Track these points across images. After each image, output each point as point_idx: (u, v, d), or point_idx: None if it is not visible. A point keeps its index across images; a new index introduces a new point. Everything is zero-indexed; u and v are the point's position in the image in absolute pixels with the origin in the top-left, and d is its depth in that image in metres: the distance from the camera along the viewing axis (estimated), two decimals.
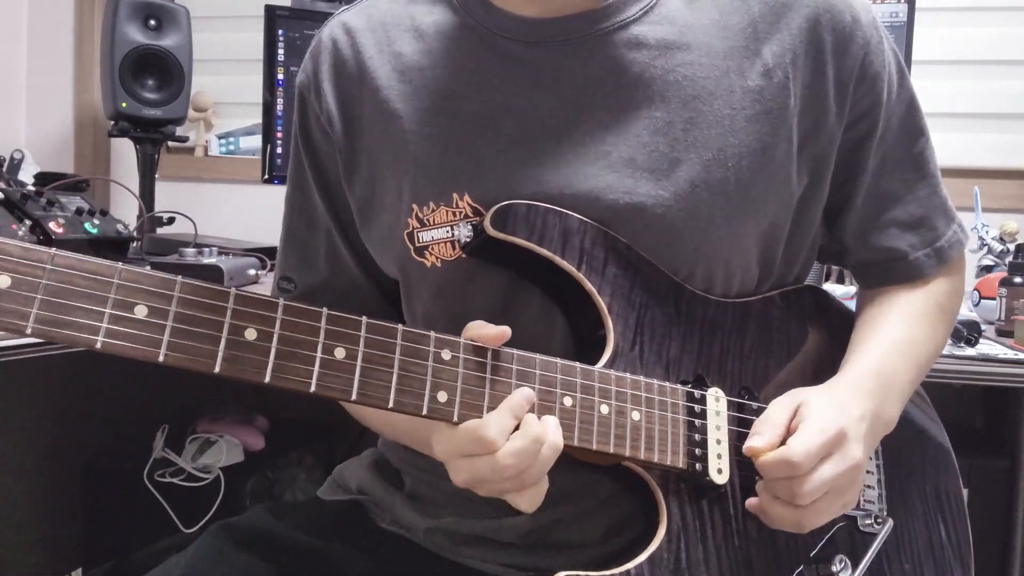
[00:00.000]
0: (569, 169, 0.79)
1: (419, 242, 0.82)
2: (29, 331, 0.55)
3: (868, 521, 0.87)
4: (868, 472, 0.89)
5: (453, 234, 0.81)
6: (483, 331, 0.70)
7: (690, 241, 0.80)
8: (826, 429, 0.74)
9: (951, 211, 0.94)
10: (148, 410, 2.08)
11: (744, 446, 0.77)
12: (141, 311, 0.59)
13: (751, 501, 0.78)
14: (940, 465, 0.97)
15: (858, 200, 0.90)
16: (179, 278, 0.60)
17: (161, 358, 0.59)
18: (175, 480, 1.93)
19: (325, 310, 0.65)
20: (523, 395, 0.69)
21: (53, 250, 0.57)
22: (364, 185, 0.88)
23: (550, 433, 0.69)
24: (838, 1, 0.83)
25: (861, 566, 0.83)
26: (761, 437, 0.75)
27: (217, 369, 0.61)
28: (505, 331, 0.70)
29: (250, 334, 0.62)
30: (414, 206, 0.82)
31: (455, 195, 0.81)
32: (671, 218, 0.79)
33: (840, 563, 0.83)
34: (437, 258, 0.82)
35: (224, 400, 2.30)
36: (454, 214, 0.81)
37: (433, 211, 0.81)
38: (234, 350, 0.61)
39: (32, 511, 1.97)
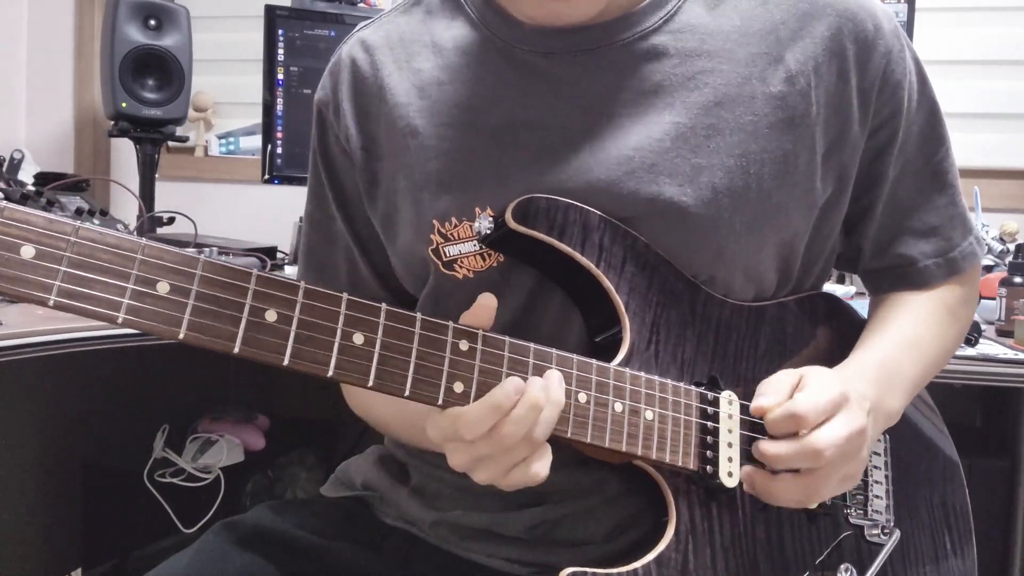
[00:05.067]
0: (591, 176, 0.79)
1: (446, 256, 0.82)
2: (51, 303, 0.55)
3: (875, 531, 0.87)
4: (877, 482, 0.89)
5: (480, 246, 0.81)
6: (469, 317, 0.70)
7: (710, 247, 0.80)
8: (830, 390, 0.75)
9: (968, 222, 0.93)
10: (148, 410, 2.08)
11: (751, 407, 0.77)
12: (163, 288, 0.58)
13: (746, 470, 0.78)
14: (948, 478, 0.96)
15: (878, 209, 0.90)
16: (202, 256, 0.60)
17: (181, 335, 0.59)
18: (175, 480, 1.93)
19: (345, 295, 0.65)
20: (513, 385, 0.68)
21: (77, 222, 0.56)
22: (385, 202, 0.88)
23: (552, 392, 0.68)
24: (860, 10, 0.83)
25: None
26: (766, 397, 0.76)
27: (236, 350, 0.60)
28: (488, 303, 0.70)
29: (270, 316, 0.62)
30: (435, 221, 0.82)
31: (477, 209, 0.81)
32: (692, 224, 0.79)
33: (846, 571, 0.83)
34: (469, 270, 0.82)
35: (225, 400, 2.30)
36: (476, 234, 0.81)
37: (456, 226, 0.81)
38: (254, 331, 0.61)
39: (32, 511, 1.96)
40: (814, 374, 0.78)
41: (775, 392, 0.76)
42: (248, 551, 0.85)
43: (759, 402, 0.76)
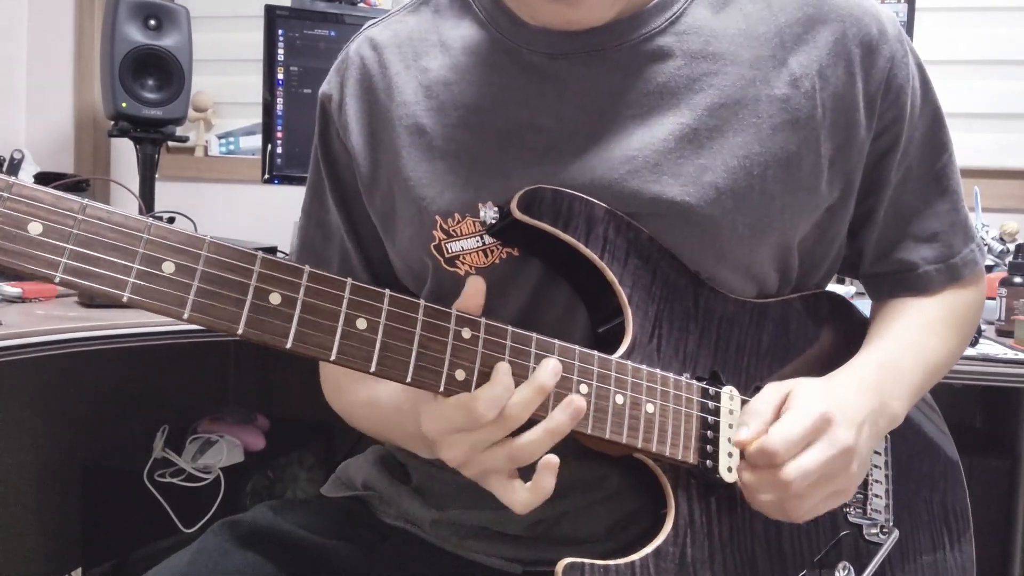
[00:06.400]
0: (595, 175, 0.80)
1: (448, 253, 0.83)
2: (58, 280, 0.56)
3: (874, 530, 0.87)
4: (876, 482, 0.89)
5: (483, 243, 0.81)
6: (465, 303, 0.71)
7: (712, 247, 0.80)
8: (809, 415, 0.74)
9: (970, 230, 0.94)
10: (148, 410, 2.08)
11: (732, 439, 0.77)
12: (168, 267, 0.59)
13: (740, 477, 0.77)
14: (948, 479, 0.96)
15: (880, 213, 0.90)
16: (208, 237, 0.60)
17: (186, 315, 0.59)
18: (175, 480, 1.93)
19: (349, 280, 0.65)
20: (505, 370, 0.69)
21: (85, 201, 0.57)
22: (385, 198, 0.88)
23: (539, 375, 0.69)
24: (864, 15, 0.84)
25: (864, 575, 0.84)
26: (747, 428, 0.76)
27: (240, 331, 0.61)
28: (478, 286, 0.71)
29: (274, 299, 0.62)
30: (437, 218, 0.82)
31: (480, 206, 0.81)
32: (695, 224, 0.79)
33: (844, 570, 0.83)
34: (471, 267, 0.82)
35: (224, 400, 2.30)
36: (481, 224, 0.81)
37: (459, 223, 0.82)
38: (258, 313, 0.61)
39: (32, 511, 1.96)
40: (801, 392, 0.78)
41: (756, 421, 0.76)
42: (248, 550, 0.85)
43: (739, 434, 0.76)
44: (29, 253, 0.55)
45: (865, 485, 0.88)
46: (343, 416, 0.97)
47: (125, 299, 0.57)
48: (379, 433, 0.94)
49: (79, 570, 2.06)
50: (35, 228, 0.55)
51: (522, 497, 0.70)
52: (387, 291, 0.66)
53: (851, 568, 0.83)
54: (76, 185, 1.93)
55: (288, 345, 0.62)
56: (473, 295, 0.71)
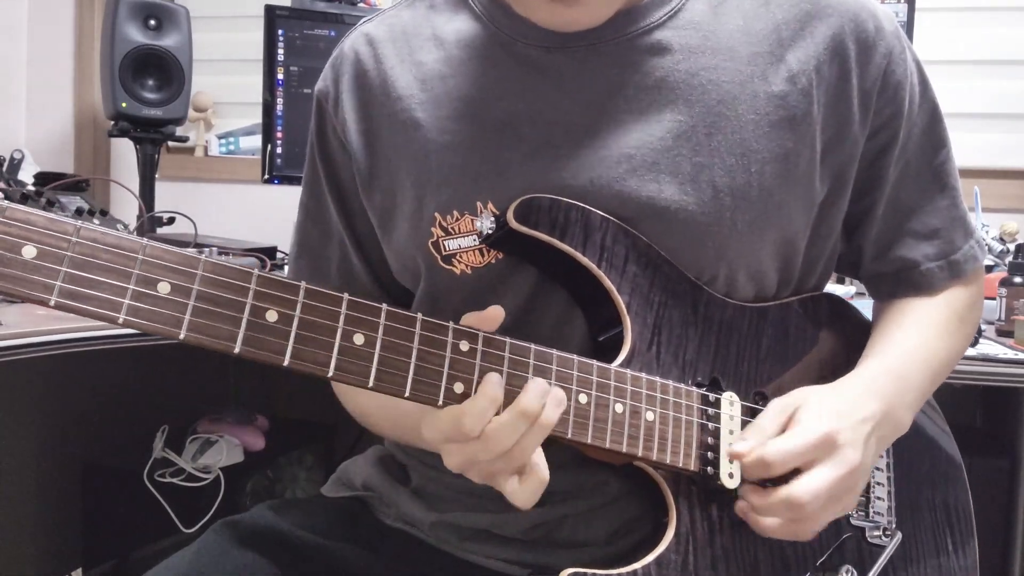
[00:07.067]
0: (593, 173, 0.79)
1: (446, 250, 0.82)
2: (53, 303, 0.55)
3: (877, 533, 0.87)
4: (879, 484, 0.89)
5: (479, 241, 0.81)
6: (475, 318, 0.70)
7: (712, 246, 0.80)
8: (812, 433, 0.75)
9: (970, 226, 0.93)
10: (148, 410, 2.08)
11: (727, 450, 0.77)
12: (164, 288, 0.59)
13: (739, 505, 0.77)
14: (950, 477, 0.96)
15: (879, 211, 0.90)
16: (203, 256, 0.60)
17: (182, 336, 0.59)
18: (175, 480, 1.93)
19: (346, 295, 0.65)
20: (494, 381, 0.68)
21: (79, 222, 0.57)
22: (383, 195, 0.88)
23: (547, 411, 0.68)
24: (861, 11, 0.84)
25: None
26: (745, 442, 0.76)
27: (237, 350, 0.61)
28: (496, 314, 0.70)
29: (271, 316, 0.62)
30: (437, 215, 0.82)
31: (479, 203, 0.81)
32: (694, 222, 0.79)
33: (847, 573, 0.83)
34: (467, 266, 0.82)
35: (224, 400, 2.30)
36: (479, 223, 0.81)
37: (457, 220, 0.81)
38: (255, 331, 0.61)
39: (32, 511, 1.96)
40: (806, 409, 0.78)
41: (754, 435, 0.76)
42: (248, 550, 0.85)
43: (735, 447, 0.76)
44: (24, 278, 0.55)
45: (868, 487, 0.88)
46: (356, 417, 0.96)
47: (121, 321, 0.57)
48: (397, 435, 0.93)
49: (79, 570, 2.06)
50: (29, 252, 0.55)
51: (520, 497, 0.70)
52: (384, 305, 0.66)
53: (854, 571, 0.83)
54: (76, 185, 1.92)
55: (285, 363, 0.62)
56: (487, 318, 0.70)
